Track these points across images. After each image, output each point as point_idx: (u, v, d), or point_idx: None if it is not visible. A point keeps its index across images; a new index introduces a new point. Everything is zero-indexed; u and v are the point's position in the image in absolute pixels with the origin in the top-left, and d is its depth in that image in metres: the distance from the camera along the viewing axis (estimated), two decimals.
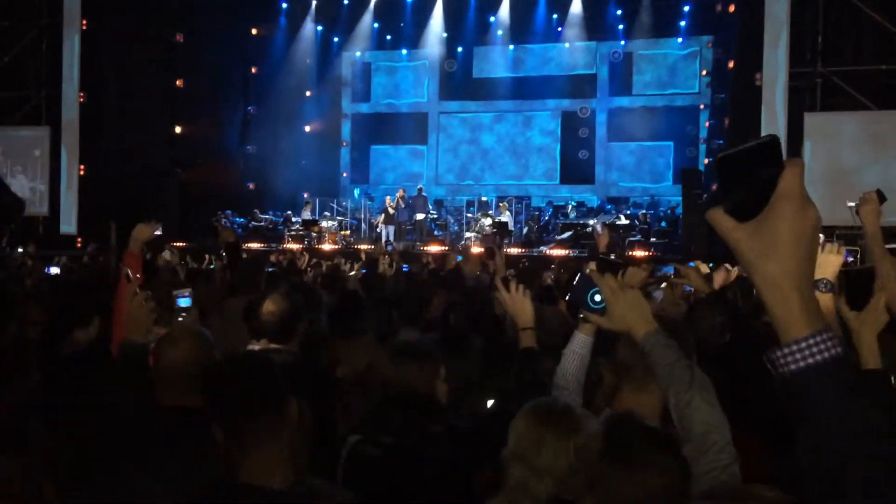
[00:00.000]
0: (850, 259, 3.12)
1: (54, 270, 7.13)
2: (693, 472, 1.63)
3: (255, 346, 3.66)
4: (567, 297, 2.35)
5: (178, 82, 17.21)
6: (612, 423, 1.73)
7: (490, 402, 2.85)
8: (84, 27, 15.57)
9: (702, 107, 20.58)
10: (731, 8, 16.41)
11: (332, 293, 6.07)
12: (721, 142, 17.32)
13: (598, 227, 7.77)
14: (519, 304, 2.86)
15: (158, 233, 4.55)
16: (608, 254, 6.56)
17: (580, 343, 2.52)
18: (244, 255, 8.52)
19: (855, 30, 14.02)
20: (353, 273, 8.21)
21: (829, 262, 2.60)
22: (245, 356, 2.13)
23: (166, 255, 9.80)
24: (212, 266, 8.88)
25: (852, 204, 10.99)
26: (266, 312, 3.50)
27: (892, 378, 2.19)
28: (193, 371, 2.57)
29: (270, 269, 9.19)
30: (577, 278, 2.06)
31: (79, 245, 14.78)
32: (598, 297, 1.94)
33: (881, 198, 3.14)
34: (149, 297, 2.74)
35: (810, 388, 0.90)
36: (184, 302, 2.95)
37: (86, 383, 3.10)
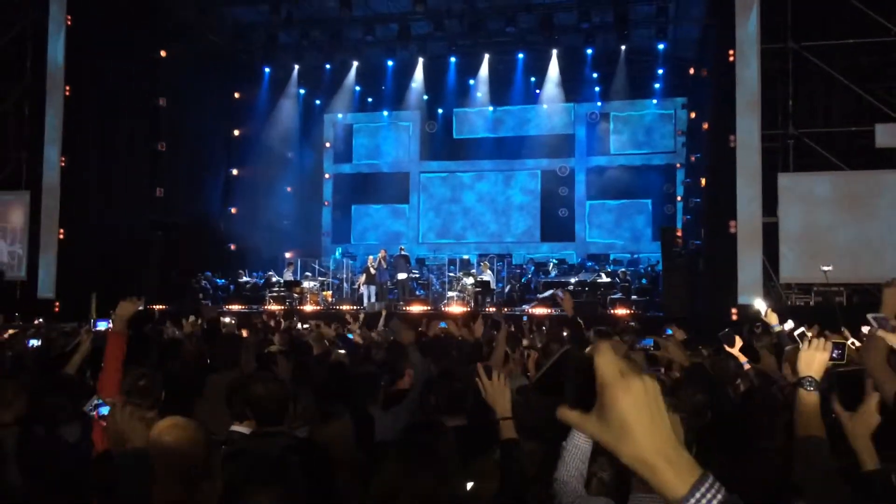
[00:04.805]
0: (836, 353, 3.12)
1: (34, 343, 6.94)
2: None
3: (240, 428, 3.62)
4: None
5: (160, 146, 17.28)
6: None
7: (470, 485, 2.77)
8: (67, 91, 15.64)
9: (678, 165, 21.00)
10: (704, 72, 16.87)
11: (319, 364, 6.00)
12: (698, 200, 17.59)
13: (560, 293, 7.94)
14: (498, 392, 2.77)
15: (140, 308, 4.55)
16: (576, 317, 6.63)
17: (584, 437, 2.43)
18: (224, 329, 8.48)
19: (824, 92, 14.45)
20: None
21: (814, 360, 2.50)
22: (263, 461, 2.07)
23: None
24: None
25: (827, 268, 11.01)
26: (257, 395, 3.45)
27: (893, 476, 2.14)
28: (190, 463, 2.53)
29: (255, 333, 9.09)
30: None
31: (56, 310, 14.58)
32: None
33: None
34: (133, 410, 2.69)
35: None
36: (104, 410, 2.91)
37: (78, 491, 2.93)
